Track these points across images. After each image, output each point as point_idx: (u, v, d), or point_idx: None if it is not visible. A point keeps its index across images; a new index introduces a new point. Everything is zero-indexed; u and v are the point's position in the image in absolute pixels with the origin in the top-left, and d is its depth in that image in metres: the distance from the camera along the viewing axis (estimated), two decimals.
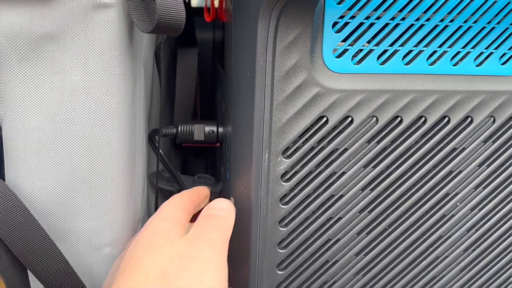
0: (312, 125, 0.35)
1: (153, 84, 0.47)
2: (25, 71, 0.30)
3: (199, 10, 0.69)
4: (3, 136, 0.31)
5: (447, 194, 0.38)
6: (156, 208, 0.49)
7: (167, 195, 0.58)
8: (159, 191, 0.55)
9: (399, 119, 0.36)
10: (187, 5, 0.64)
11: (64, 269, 0.31)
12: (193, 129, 0.51)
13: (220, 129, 0.51)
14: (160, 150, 0.48)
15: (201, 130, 0.51)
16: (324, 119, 0.35)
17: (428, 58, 0.36)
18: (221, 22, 0.57)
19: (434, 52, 0.35)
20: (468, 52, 0.36)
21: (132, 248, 0.31)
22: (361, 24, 0.34)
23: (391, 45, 0.35)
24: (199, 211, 0.39)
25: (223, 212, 0.36)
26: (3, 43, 0.28)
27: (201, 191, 0.40)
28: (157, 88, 0.49)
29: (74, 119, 0.31)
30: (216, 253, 0.31)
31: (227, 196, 0.48)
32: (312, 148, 0.36)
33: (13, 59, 0.29)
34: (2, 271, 0.30)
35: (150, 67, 0.42)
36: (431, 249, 0.40)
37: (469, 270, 0.41)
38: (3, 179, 0.32)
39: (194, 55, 0.54)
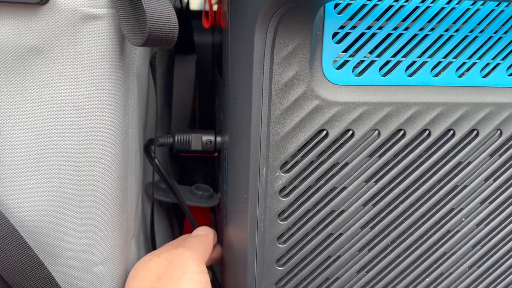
0: (311, 139, 0.34)
1: (149, 92, 0.45)
2: (12, 85, 0.28)
3: (198, 14, 0.67)
4: None
5: (452, 209, 0.37)
6: (152, 220, 0.47)
7: (164, 206, 0.57)
8: (156, 201, 0.54)
9: (402, 132, 0.35)
10: (186, 8, 0.62)
11: None
12: (190, 138, 0.49)
13: (218, 139, 0.50)
14: (156, 160, 0.46)
15: (199, 140, 0.50)
16: (324, 132, 0.34)
17: (432, 70, 0.34)
18: (219, 27, 0.55)
19: (439, 63, 0.34)
20: (474, 63, 0.35)
21: (132, 269, 0.37)
22: (362, 34, 0.33)
23: (394, 56, 0.34)
24: None
25: (202, 232, 0.44)
26: None
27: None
28: (153, 97, 0.47)
29: (63, 135, 0.30)
30: (195, 255, 0.38)
31: (224, 208, 0.46)
32: (311, 162, 0.35)
33: None
34: None
35: (145, 77, 0.41)
36: (435, 266, 0.38)
37: (475, 287, 0.40)
38: None
39: (192, 62, 0.53)
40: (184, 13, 0.59)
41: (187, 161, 0.70)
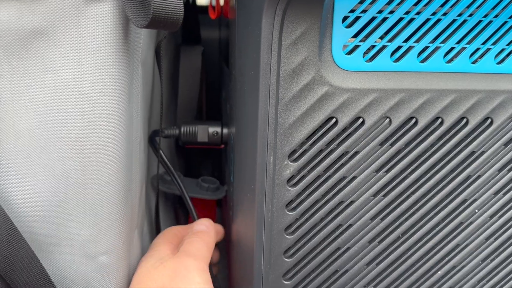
0: (320, 127, 0.33)
1: (155, 82, 0.45)
2: (14, 70, 0.28)
3: (204, 8, 0.67)
4: None
5: (464, 200, 0.36)
6: (157, 212, 0.47)
7: (170, 198, 0.57)
8: (163, 194, 0.53)
9: (414, 120, 0.34)
10: (192, 2, 0.62)
11: (45, 283, 0.29)
12: (196, 130, 0.49)
13: (225, 130, 0.49)
14: (161, 152, 0.46)
15: (205, 131, 0.49)
16: (333, 120, 0.33)
17: (445, 55, 0.33)
18: (226, 20, 0.55)
19: (452, 48, 0.33)
20: (489, 49, 0.33)
21: (136, 274, 0.37)
22: (373, 18, 0.32)
23: (406, 41, 0.33)
24: None
25: (204, 227, 0.43)
26: None
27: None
28: (159, 87, 0.47)
29: (66, 120, 0.29)
30: (200, 263, 0.38)
31: (230, 200, 0.46)
32: (320, 151, 0.34)
33: (1, 56, 0.27)
34: None
35: (150, 65, 0.40)
36: (447, 259, 0.37)
37: (488, 281, 0.39)
38: None
39: (198, 53, 0.52)
40: (190, 4, 0.59)
41: (193, 154, 0.69)
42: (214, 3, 0.55)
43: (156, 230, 0.49)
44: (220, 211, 0.72)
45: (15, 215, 0.30)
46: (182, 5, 0.27)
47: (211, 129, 0.49)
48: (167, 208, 0.55)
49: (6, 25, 0.27)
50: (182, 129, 0.49)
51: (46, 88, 0.29)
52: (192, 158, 0.72)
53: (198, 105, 0.62)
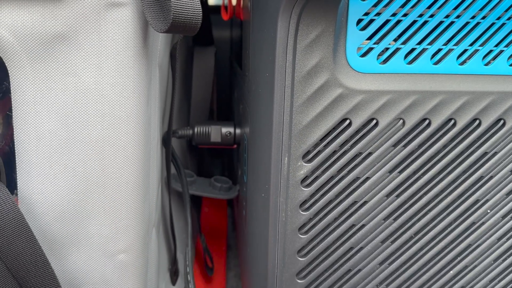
0: (334, 128, 0.34)
1: (169, 84, 0.45)
2: (37, 73, 0.29)
3: (216, 9, 0.67)
4: (15, 140, 0.30)
5: (477, 201, 0.36)
6: (170, 211, 0.48)
7: (181, 195, 0.57)
8: (175, 193, 0.54)
9: (427, 121, 0.34)
10: (204, 3, 0.62)
11: None
12: (209, 130, 0.50)
13: (237, 131, 0.49)
14: (174, 152, 0.46)
15: (218, 132, 0.49)
16: (347, 121, 0.34)
17: (458, 58, 0.34)
18: (238, 21, 0.55)
19: (465, 51, 0.33)
20: (501, 51, 0.34)
21: None
22: (387, 21, 0.32)
23: (419, 43, 0.33)
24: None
25: None
26: (14, 43, 0.27)
27: None
28: (171, 89, 0.47)
29: (87, 122, 0.30)
30: None
31: (244, 199, 0.46)
32: (334, 152, 0.34)
33: (24, 60, 0.28)
34: None
35: (166, 68, 0.41)
36: (459, 258, 0.38)
37: (500, 281, 0.39)
38: (15, 183, 0.31)
39: (211, 54, 0.53)
40: (202, 5, 0.59)
41: (205, 154, 0.70)
42: (226, 2, 0.56)
43: (171, 228, 0.49)
44: (230, 210, 0.73)
45: (36, 215, 0.30)
46: (201, 10, 0.28)
47: (224, 130, 0.49)
48: (179, 207, 0.55)
49: (29, 29, 0.28)
50: (195, 130, 0.49)
51: (67, 91, 0.29)
52: (204, 157, 0.73)
53: (210, 106, 0.63)
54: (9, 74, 0.28)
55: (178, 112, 0.56)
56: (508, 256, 0.38)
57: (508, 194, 0.37)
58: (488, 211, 0.37)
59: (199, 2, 0.28)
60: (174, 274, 0.48)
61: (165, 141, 0.45)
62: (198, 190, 0.51)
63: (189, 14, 0.27)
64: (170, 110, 0.42)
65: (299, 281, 0.37)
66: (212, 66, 0.54)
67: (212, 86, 0.56)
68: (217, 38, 0.67)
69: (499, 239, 0.38)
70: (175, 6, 0.26)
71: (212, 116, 0.70)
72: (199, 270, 0.58)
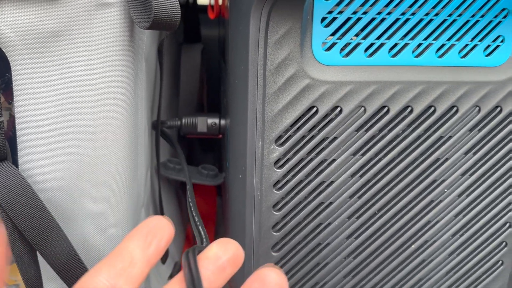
0: (303, 115, 0.37)
1: (157, 77, 0.49)
2: (35, 65, 0.32)
3: (206, 8, 0.71)
4: (16, 126, 0.34)
5: (434, 181, 0.40)
6: (160, 195, 0.51)
7: (173, 184, 0.61)
8: (166, 180, 0.58)
9: (386, 109, 0.38)
10: (193, 3, 0.66)
11: (67, 250, 0.33)
12: (196, 121, 0.53)
13: (222, 121, 0.53)
14: (166, 135, 0.50)
15: (204, 122, 0.53)
16: (314, 109, 0.37)
17: (413, 51, 0.37)
18: (223, 19, 0.59)
19: (420, 44, 0.37)
20: (453, 45, 0.38)
21: None
22: (348, 18, 0.36)
23: (378, 38, 0.37)
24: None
25: None
26: (15, 39, 0.31)
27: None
28: (163, 82, 0.51)
29: (80, 109, 0.34)
30: None
31: (226, 183, 0.50)
32: (303, 137, 0.38)
33: (24, 54, 0.32)
34: (13, 248, 0.33)
35: (153, 62, 0.45)
36: (419, 234, 0.41)
37: (458, 255, 0.43)
38: (17, 165, 0.34)
39: (197, 51, 0.57)
40: (191, 5, 0.63)
41: (197, 147, 0.74)
42: (213, 1, 0.59)
43: (160, 214, 0.53)
44: (220, 199, 0.76)
45: (38, 192, 0.34)
46: (179, 9, 0.32)
47: (210, 120, 0.53)
48: (170, 193, 0.59)
49: (28, 27, 0.31)
50: (183, 121, 0.53)
51: (62, 81, 0.33)
52: (196, 151, 0.76)
53: (200, 100, 0.67)
54: (11, 67, 0.32)
55: (169, 105, 0.59)
56: (465, 232, 0.42)
57: (462, 174, 0.40)
58: (445, 190, 0.41)
59: (178, 2, 0.32)
60: (164, 254, 0.52)
61: (155, 128, 0.49)
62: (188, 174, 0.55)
63: (169, 13, 0.31)
64: (158, 100, 0.46)
65: (274, 253, 0.41)
66: (198, 62, 0.58)
67: (200, 81, 0.60)
68: (209, 36, 0.71)
69: (456, 216, 0.42)
70: (155, 6, 0.30)
71: (203, 110, 0.74)
72: None
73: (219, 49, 0.72)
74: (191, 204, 0.43)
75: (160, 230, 0.26)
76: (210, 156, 0.84)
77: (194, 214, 0.41)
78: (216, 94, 0.74)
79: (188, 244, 0.64)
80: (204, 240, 0.34)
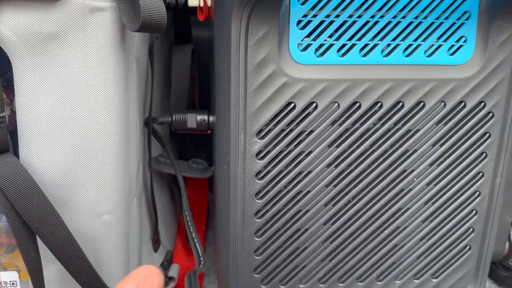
0: (281, 110, 0.41)
1: (148, 76, 0.52)
2: (35, 65, 0.35)
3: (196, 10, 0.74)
4: (17, 120, 0.37)
5: (404, 171, 0.43)
6: (152, 187, 0.54)
7: (166, 178, 0.64)
8: (159, 174, 0.61)
9: (358, 104, 0.41)
10: (184, 5, 0.69)
11: (65, 235, 0.37)
12: (186, 117, 0.56)
13: (211, 118, 0.56)
14: (157, 134, 0.53)
15: (194, 119, 0.56)
16: (292, 104, 0.41)
17: (382, 51, 0.41)
18: (211, 21, 0.62)
19: (388, 45, 0.40)
20: (419, 45, 0.41)
21: None
22: (322, 21, 0.39)
23: (349, 39, 0.40)
24: None
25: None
26: (15, 41, 0.34)
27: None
28: (155, 81, 0.54)
29: (76, 105, 0.37)
30: None
31: (215, 175, 0.53)
32: (282, 130, 0.41)
33: (24, 55, 0.35)
34: (15, 233, 0.36)
35: (144, 62, 0.48)
36: (391, 220, 0.45)
37: (428, 240, 0.46)
38: (18, 156, 0.38)
39: (188, 51, 0.60)
40: (181, 8, 0.66)
41: (188, 143, 0.77)
42: (202, 3, 0.63)
43: (152, 205, 0.56)
44: (212, 194, 0.80)
45: (37, 180, 0.37)
46: (165, 13, 0.35)
47: (199, 117, 0.56)
48: (162, 187, 0.62)
49: (28, 29, 0.35)
50: (174, 117, 0.56)
51: (59, 79, 0.36)
52: (188, 149, 0.80)
53: (191, 98, 0.70)
54: (12, 66, 0.35)
55: (161, 103, 0.63)
56: (434, 218, 0.46)
57: (430, 165, 0.44)
58: (414, 179, 0.44)
59: (164, 7, 0.35)
60: (156, 242, 0.56)
61: (152, 127, 0.52)
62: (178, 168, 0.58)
63: (155, 16, 0.34)
64: (150, 98, 0.49)
65: (256, 239, 0.44)
66: (188, 62, 0.61)
67: (189, 80, 0.63)
68: (201, 37, 0.74)
69: (426, 203, 0.45)
70: (143, 10, 0.33)
71: (195, 108, 0.77)
72: (181, 244, 0.65)
73: (209, 49, 0.75)
74: (188, 218, 0.45)
75: (151, 279, 0.27)
76: (203, 153, 0.88)
77: (192, 230, 0.45)
78: (207, 93, 0.77)
79: (181, 235, 0.67)
80: (202, 260, 0.39)
